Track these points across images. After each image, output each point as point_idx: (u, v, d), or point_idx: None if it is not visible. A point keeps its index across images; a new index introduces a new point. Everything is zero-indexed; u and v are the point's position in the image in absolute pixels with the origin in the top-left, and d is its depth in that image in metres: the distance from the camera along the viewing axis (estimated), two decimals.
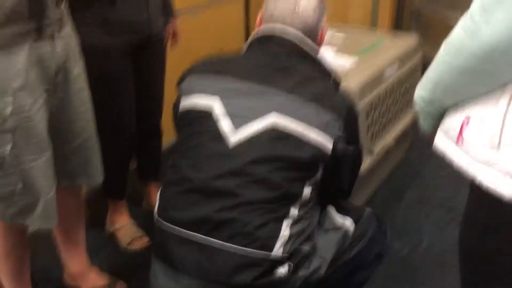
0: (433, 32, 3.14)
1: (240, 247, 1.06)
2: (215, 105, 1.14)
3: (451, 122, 0.76)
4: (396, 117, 2.07)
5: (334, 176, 1.21)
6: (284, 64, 1.19)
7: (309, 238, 1.17)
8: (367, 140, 1.83)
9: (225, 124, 1.12)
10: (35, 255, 1.71)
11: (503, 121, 0.66)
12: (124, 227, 1.84)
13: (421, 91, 0.83)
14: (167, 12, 1.76)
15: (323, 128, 1.12)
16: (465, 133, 0.72)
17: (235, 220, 1.07)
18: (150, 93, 1.78)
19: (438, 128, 0.81)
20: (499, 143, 0.66)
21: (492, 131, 0.67)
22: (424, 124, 0.89)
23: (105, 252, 1.82)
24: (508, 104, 0.67)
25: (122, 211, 1.86)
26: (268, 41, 1.23)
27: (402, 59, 2.06)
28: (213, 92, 1.15)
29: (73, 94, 1.27)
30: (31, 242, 1.66)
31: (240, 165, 1.09)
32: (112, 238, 1.87)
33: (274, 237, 1.08)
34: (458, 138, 0.73)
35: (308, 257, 1.15)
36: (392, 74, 1.99)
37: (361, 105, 1.75)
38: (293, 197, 1.11)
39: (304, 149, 1.10)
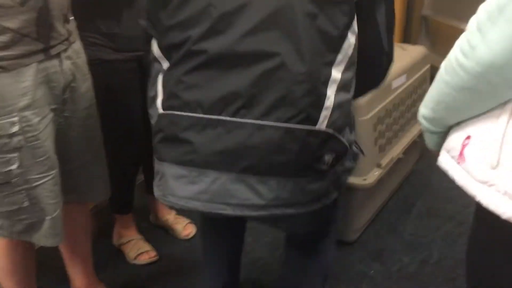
0: (442, 43, 3.12)
1: (279, 124, 0.88)
2: None
3: (453, 141, 0.76)
4: (404, 129, 2.05)
5: (370, 21, 0.99)
6: None
7: (348, 124, 0.99)
8: (375, 152, 1.81)
9: None
10: (42, 269, 1.72)
11: (502, 140, 0.66)
12: (131, 241, 1.84)
13: (424, 109, 0.83)
14: None
15: None
16: (465, 152, 0.72)
17: (273, 88, 0.87)
18: None
19: (442, 147, 0.81)
20: (498, 162, 0.66)
21: (491, 151, 0.67)
22: (429, 142, 0.89)
23: (112, 265, 1.82)
24: (507, 123, 0.66)
25: (129, 225, 1.86)
26: None
27: (410, 71, 2.05)
28: None
29: (81, 111, 1.28)
30: (38, 256, 1.67)
31: (267, 16, 0.86)
32: (119, 251, 1.87)
33: (318, 107, 0.90)
34: (459, 157, 0.73)
35: (346, 149, 0.97)
36: (400, 86, 1.98)
37: (369, 117, 1.74)
38: (336, 44, 0.90)
39: None
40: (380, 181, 1.83)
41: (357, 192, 1.78)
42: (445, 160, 0.78)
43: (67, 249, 1.50)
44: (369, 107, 1.75)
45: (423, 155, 2.44)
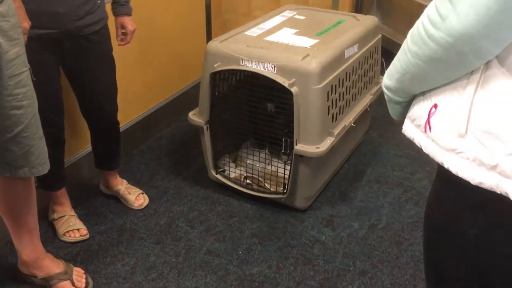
0: (393, 14, 3.17)
1: None
2: None
3: (418, 110, 0.77)
4: (355, 98, 2.08)
5: None
6: None
7: None
8: (327, 121, 1.83)
9: None
10: None
11: (470, 109, 0.67)
12: (62, 218, 1.78)
13: (388, 80, 0.83)
14: (116, 7, 1.69)
15: None
16: (432, 121, 0.73)
17: None
18: (94, 89, 1.69)
19: (406, 116, 0.82)
20: (466, 131, 0.67)
21: (459, 119, 0.68)
22: (392, 112, 0.90)
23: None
24: (475, 93, 0.68)
25: (61, 201, 1.80)
26: None
27: (362, 40, 2.07)
28: None
29: (8, 79, 1.17)
30: None
31: None
32: (52, 226, 1.81)
33: None
34: (425, 125, 0.74)
35: None
36: (352, 55, 2.00)
37: (322, 86, 1.75)
38: None
39: None
40: (332, 150, 1.86)
41: (310, 160, 1.81)
42: (410, 129, 0.79)
43: (11, 222, 1.44)
44: (323, 76, 1.76)
45: (373, 125, 2.50)
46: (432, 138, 0.73)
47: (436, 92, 0.74)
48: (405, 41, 0.74)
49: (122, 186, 1.95)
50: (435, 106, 0.73)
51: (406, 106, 0.83)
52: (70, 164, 1.96)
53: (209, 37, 2.71)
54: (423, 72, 0.73)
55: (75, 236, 1.76)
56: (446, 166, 0.70)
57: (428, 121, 0.74)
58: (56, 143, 1.67)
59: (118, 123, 1.84)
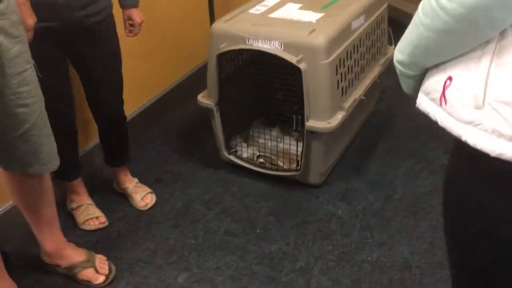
0: None
1: None
2: None
3: (433, 84, 0.76)
4: (364, 70, 2.06)
5: None
6: None
7: None
8: (337, 95, 1.82)
9: None
10: (9, 234, 1.68)
11: (486, 80, 0.66)
12: (81, 207, 1.80)
13: (400, 55, 0.81)
14: (122, 0, 1.67)
15: None
16: (447, 94, 0.72)
17: None
18: (99, 81, 1.67)
19: (420, 89, 0.81)
20: (483, 102, 0.66)
21: (475, 91, 0.67)
22: (405, 86, 0.89)
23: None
24: (490, 63, 0.66)
25: (78, 191, 1.81)
26: None
27: (368, 11, 2.03)
28: None
29: (11, 78, 1.16)
30: (5, 221, 1.62)
31: None
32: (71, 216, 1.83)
33: None
34: (440, 99, 0.73)
35: None
36: (359, 27, 1.97)
37: (330, 60, 1.73)
38: None
39: None
40: (344, 124, 1.85)
41: (322, 135, 1.80)
42: (424, 103, 0.77)
43: (30, 215, 1.46)
44: (330, 50, 1.74)
45: (382, 96, 2.48)
46: (448, 112, 0.71)
47: (450, 64, 0.72)
48: (416, 14, 0.73)
49: (130, 184, 1.92)
50: (450, 78, 0.72)
51: (419, 79, 0.82)
52: (84, 153, 1.98)
53: (212, 18, 2.68)
54: (436, 45, 0.72)
55: (94, 224, 1.78)
56: (463, 139, 0.69)
57: (443, 94, 0.72)
58: (69, 133, 1.68)
59: (124, 117, 1.82)
